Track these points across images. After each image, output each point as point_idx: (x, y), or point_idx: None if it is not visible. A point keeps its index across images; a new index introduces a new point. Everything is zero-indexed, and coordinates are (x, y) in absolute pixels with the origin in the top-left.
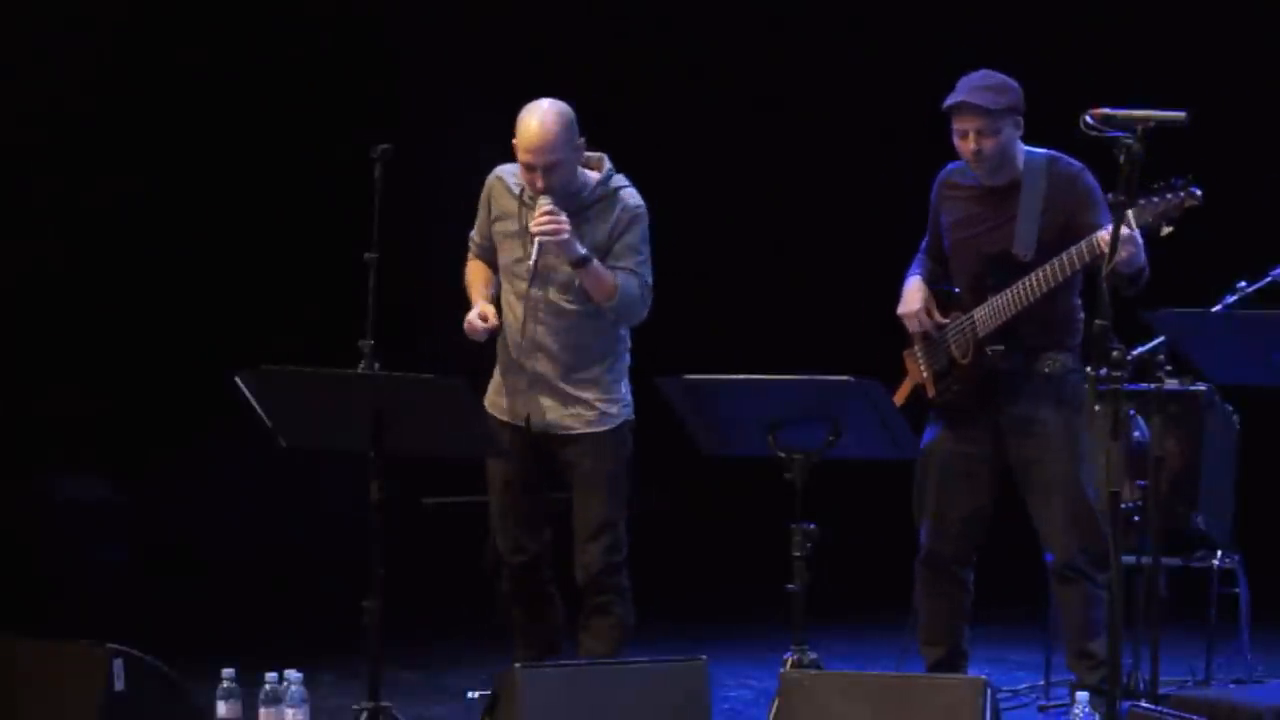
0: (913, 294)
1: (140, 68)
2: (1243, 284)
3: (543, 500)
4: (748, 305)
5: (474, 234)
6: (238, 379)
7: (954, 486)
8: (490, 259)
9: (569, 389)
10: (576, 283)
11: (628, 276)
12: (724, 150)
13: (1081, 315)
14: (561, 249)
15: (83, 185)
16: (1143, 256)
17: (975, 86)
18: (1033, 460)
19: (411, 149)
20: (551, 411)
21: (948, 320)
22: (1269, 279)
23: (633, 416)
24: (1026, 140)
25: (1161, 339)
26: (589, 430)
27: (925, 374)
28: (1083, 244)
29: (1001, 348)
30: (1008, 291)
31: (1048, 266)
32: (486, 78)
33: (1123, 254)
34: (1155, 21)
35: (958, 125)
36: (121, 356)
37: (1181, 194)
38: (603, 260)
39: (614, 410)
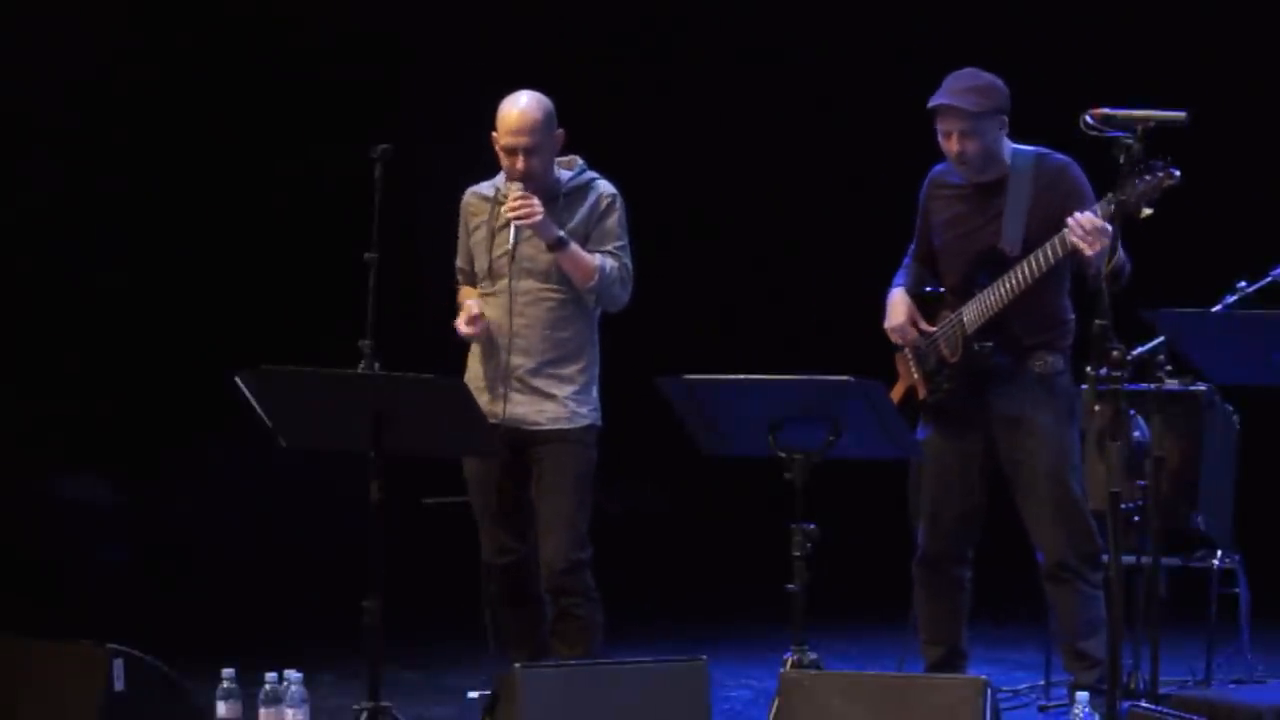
0: (896, 306)
1: (141, 67)
2: (1243, 284)
3: (524, 501)
4: (748, 305)
5: (458, 262)
6: (238, 379)
7: (947, 486)
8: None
9: (541, 385)
10: (556, 271)
11: (607, 259)
12: (724, 151)
13: (1072, 317)
14: (537, 230)
15: (83, 184)
16: (1118, 250)
17: (958, 89)
18: (1020, 459)
19: (411, 149)
20: (522, 406)
21: (935, 328)
22: (1269, 279)
23: (600, 425)
24: (1025, 139)
25: (1161, 339)
26: (556, 426)
27: (917, 375)
28: (1056, 237)
29: (990, 344)
30: (994, 287)
31: (1029, 260)
32: (487, 78)
33: (1096, 246)
34: (1155, 21)
35: (941, 126)
36: (122, 356)
37: (1160, 174)
38: (589, 240)
39: (583, 411)
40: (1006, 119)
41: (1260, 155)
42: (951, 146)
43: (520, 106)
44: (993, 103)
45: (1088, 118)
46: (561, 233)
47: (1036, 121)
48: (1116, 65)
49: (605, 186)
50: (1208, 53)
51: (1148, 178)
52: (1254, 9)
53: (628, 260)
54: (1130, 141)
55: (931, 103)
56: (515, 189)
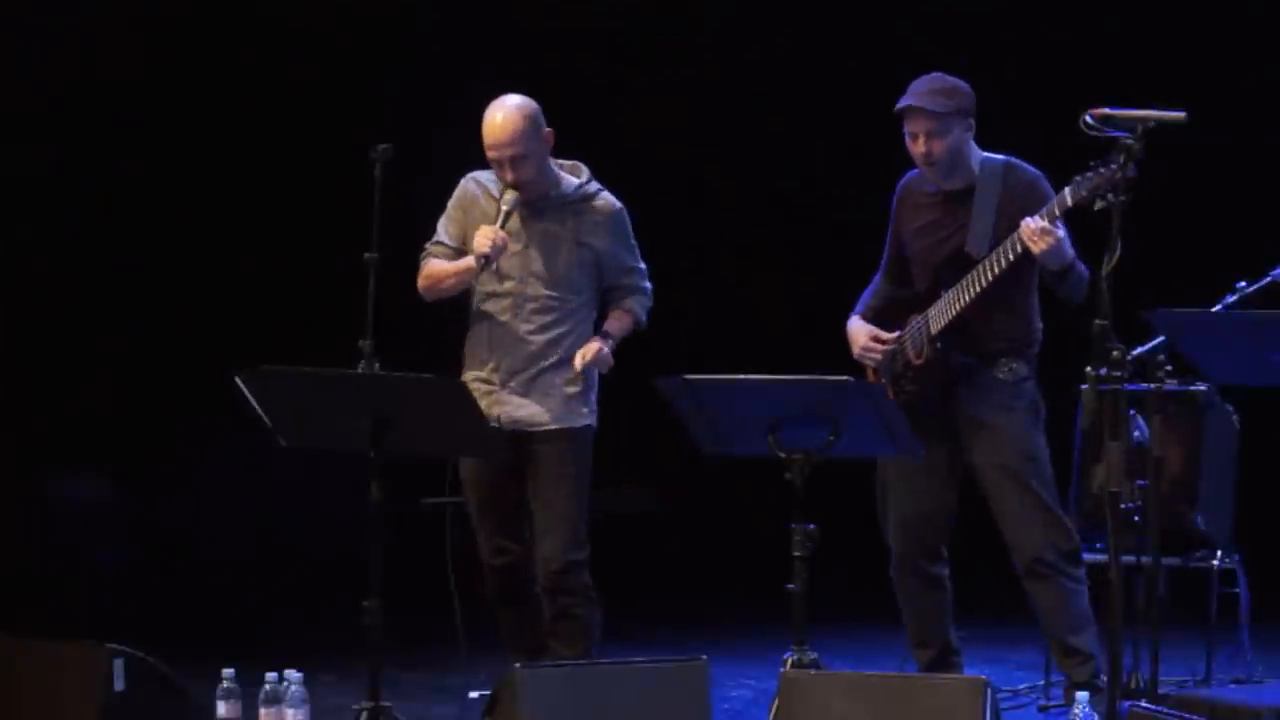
0: (854, 334)
1: (141, 67)
2: (1243, 284)
3: (521, 501)
4: (748, 305)
5: (444, 238)
6: (238, 379)
7: (915, 485)
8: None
9: (539, 386)
10: (558, 276)
11: (634, 299)
12: (724, 150)
13: (1040, 325)
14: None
15: (83, 184)
16: (1068, 251)
17: (923, 90)
18: (983, 463)
19: (411, 149)
20: (522, 409)
21: (899, 334)
22: (1269, 279)
23: (596, 427)
24: (1025, 139)
25: (1161, 339)
26: (556, 426)
27: (885, 380)
28: (1010, 239)
29: (956, 348)
30: (956, 288)
31: (987, 261)
32: (486, 78)
33: (1041, 245)
34: (1155, 21)
35: (908, 128)
36: (122, 356)
37: (1114, 167)
38: (602, 265)
39: (581, 411)
40: (972, 122)
41: (1260, 155)
42: (918, 148)
43: (501, 117)
44: (956, 104)
45: (1088, 118)
46: (607, 349)
47: (1036, 122)
48: (1116, 65)
49: (613, 201)
50: (1208, 53)
51: (1102, 170)
52: (1254, 9)
53: (646, 280)
54: (1130, 141)
55: (898, 105)
56: (508, 197)
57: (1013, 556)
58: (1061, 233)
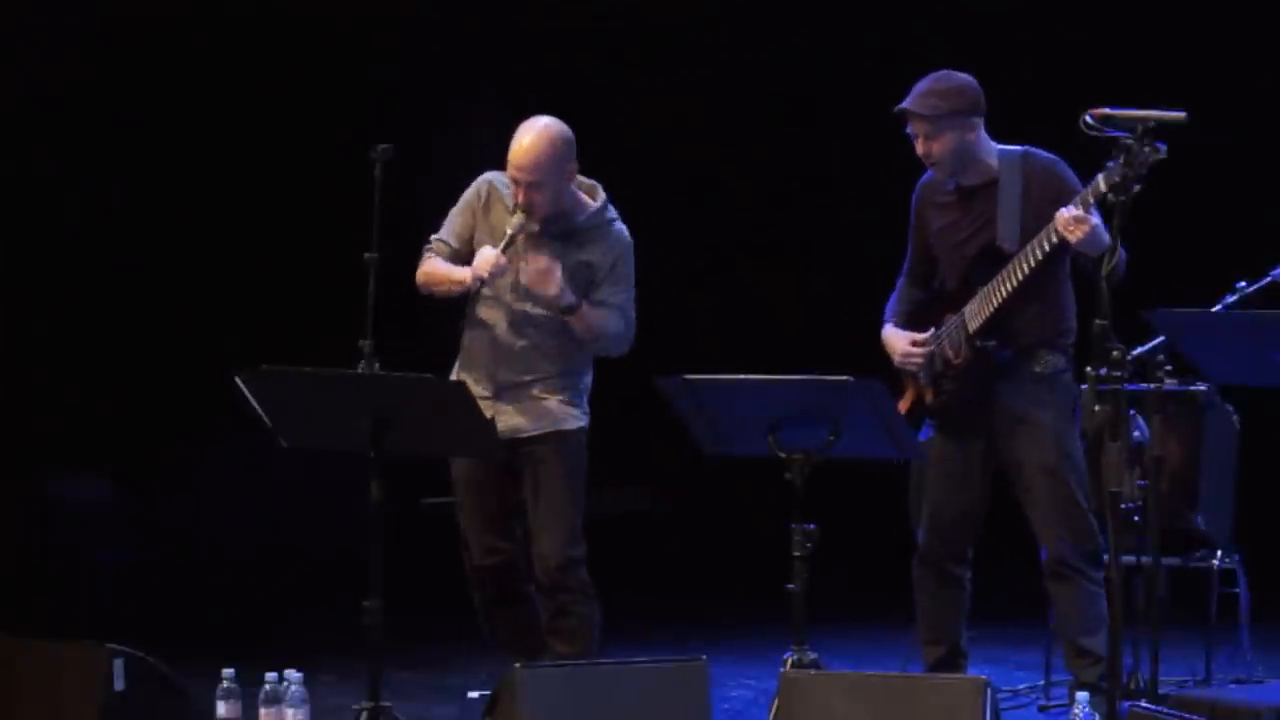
0: (891, 341)
1: (141, 66)
2: (1243, 284)
3: (514, 502)
4: (748, 305)
5: (447, 236)
6: (238, 379)
7: (948, 485)
8: (462, 263)
9: (537, 393)
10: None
11: (612, 314)
12: (724, 149)
13: (1073, 316)
14: (550, 303)
15: (82, 184)
16: (1105, 237)
17: (920, 92)
18: (1021, 458)
19: (412, 149)
20: (516, 416)
21: (940, 328)
22: (1269, 279)
23: (588, 428)
24: (1025, 140)
25: (1161, 339)
26: (550, 430)
27: (924, 382)
28: (1046, 229)
29: (993, 342)
30: (993, 284)
31: (1024, 254)
32: (487, 78)
33: (1078, 234)
34: (1155, 21)
35: (909, 129)
36: (122, 356)
37: (1146, 149)
38: (591, 289)
39: (576, 413)
40: (978, 120)
41: (1260, 155)
42: (919, 149)
43: (528, 140)
44: (952, 104)
45: (1088, 118)
46: (573, 299)
47: (1037, 121)
48: (1116, 65)
49: (623, 233)
50: (1208, 53)
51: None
52: (1254, 9)
53: (631, 311)
54: (1130, 141)
55: (897, 107)
56: (515, 220)
57: (1042, 551)
58: (1096, 219)
